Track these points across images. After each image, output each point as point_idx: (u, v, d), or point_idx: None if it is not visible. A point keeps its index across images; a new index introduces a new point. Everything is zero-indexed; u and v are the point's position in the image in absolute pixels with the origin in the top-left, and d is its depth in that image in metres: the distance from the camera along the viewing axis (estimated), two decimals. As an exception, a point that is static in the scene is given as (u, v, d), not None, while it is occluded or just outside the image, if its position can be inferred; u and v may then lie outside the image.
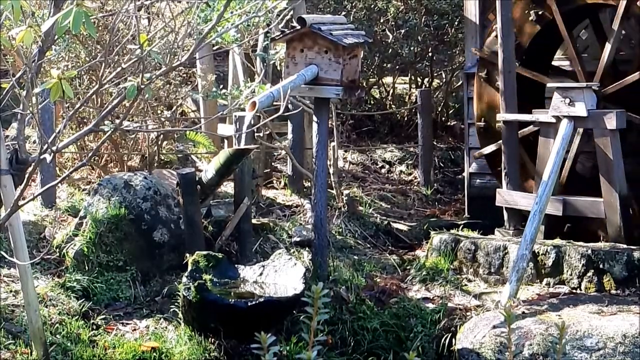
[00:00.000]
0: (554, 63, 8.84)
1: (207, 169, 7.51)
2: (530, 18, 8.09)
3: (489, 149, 8.46)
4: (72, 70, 4.84)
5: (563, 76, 8.56)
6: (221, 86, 8.98)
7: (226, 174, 7.52)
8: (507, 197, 8.09)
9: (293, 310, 6.56)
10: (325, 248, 7.39)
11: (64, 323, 6.56)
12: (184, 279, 6.42)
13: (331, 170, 9.05)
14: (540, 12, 8.02)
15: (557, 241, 7.39)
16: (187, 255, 6.86)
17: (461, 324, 6.70)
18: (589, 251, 7.04)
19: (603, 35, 8.26)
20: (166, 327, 6.76)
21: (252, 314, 6.15)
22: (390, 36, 12.47)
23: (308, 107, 8.99)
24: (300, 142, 9.55)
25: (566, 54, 8.98)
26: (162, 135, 9.18)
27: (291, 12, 8.64)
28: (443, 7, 12.27)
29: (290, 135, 9.52)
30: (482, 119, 8.52)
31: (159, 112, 9.86)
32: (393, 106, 12.94)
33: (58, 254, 7.38)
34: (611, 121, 7.33)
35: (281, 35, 7.20)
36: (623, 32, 8.30)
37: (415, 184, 10.95)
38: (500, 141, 8.19)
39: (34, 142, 9.06)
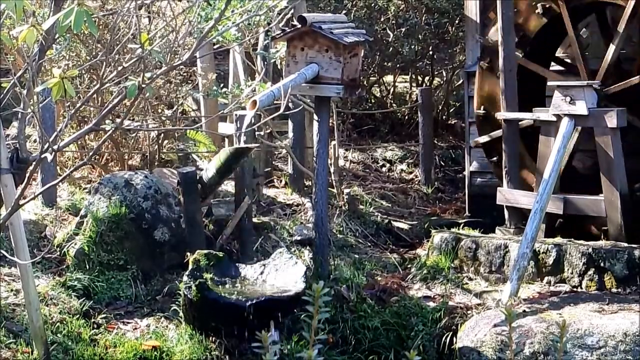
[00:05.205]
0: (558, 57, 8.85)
1: (208, 168, 7.51)
2: (537, 10, 8.10)
3: (485, 138, 8.50)
4: (73, 69, 4.85)
5: (566, 71, 8.60)
6: (222, 85, 8.98)
7: (227, 173, 7.53)
8: (507, 195, 8.09)
9: (294, 309, 6.56)
10: (326, 247, 7.39)
11: (64, 322, 6.57)
12: (185, 278, 6.42)
13: (332, 169, 9.05)
14: (547, 6, 8.03)
15: (558, 240, 7.39)
16: (188, 254, 6.86)
17: (462, 322, 6.70)
18: (590, 250, 7.04)
19: (608, 33, 8.26)
20: (167, 326, 6.77)
21: (253, 313, 6.15)
22: (391, 35, 12.46)
23: (309, 106, 8.99)
24: (301, 141, 9.55)
25: (567, 52, 8.99)
26: (162, 134, 9.18)
27: (292, 11, 8.65)
28: (444, 6, 12.26)
29: (290, 134, 9.52)
30: (482, 107, 8.54)
31: (159, 111, 9.86)
32: (394, 105, 12.93)
33: (59, 253, 7.38)
34: (612, 119, 7.33)
35: (282, 34, 7.20)
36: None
37: (416, 182, 10.95)
38: (498, 131, 8.23)
39: (35, 141, 9.05)
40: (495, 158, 8.44)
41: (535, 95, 8.47)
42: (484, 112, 8.50)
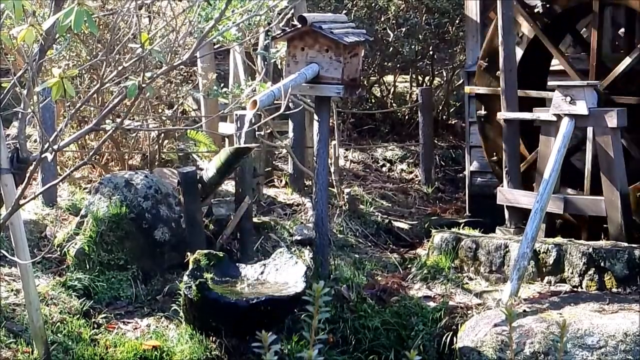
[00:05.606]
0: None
1: (208, 168, 7.51)
2: None
3: (484, 89, 8.58)
4: (73, 69, 4.85)
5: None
6: (222, 85, 8.98)
7: (227, 173, 7.52)
8: (508, 195, 8.09)
9: (294, 309, 6.57)
10: (326, 247, 7.40)
11: (65, 322, 6.57)
12: (185, 278, 6.42)
13: (332, 169, 9.05)
14: None
15: (558, 239, 7.40)
16: (188, 254, 6.86)
17: (462, 322, 6.70)
18: (590, 249, 7.04)
19: (631, 36, 8.31)
20: (167, 326, 6.77)
21: (253, 313, 6.16)
22: (391, 35, 12.46)
23: (309, 106, 8.99)
24: (301, 141, 9.55)
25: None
26: (163, 134, 9.18)
27: (292, 11, 8.65)
28: (444, 6, 12.26)
29: (291, 134, 9.52)
30: (487, 58, 8.54)
31: (159, 110, 9.86)
32: (394, 105, 12.93)
33: (59, 253, 7.38)
34: (612, 119, 7.33)
35: (282, 34, 7.20)
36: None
37: (416, 182, 10.95)
38: (496, 88, 8.29)
39: (35, 141, 9.05)
40: (484, 112, 8.58)
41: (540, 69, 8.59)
42: (486, 64, 8.53)
